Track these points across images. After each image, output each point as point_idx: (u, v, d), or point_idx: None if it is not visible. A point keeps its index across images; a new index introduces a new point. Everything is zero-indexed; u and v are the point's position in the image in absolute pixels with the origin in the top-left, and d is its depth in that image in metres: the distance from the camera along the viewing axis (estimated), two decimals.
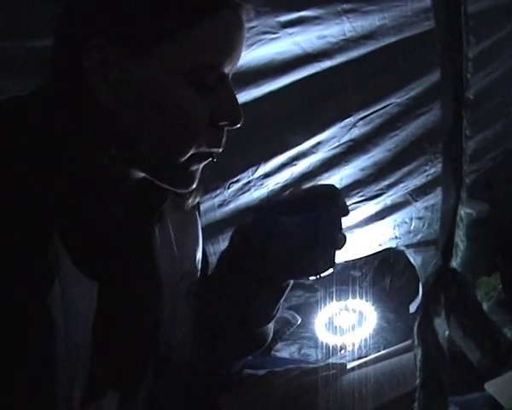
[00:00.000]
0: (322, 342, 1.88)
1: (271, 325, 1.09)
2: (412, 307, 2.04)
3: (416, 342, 0.69)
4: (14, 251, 0.70)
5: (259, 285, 0.95)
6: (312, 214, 0.90)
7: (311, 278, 0.93)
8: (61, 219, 0.76)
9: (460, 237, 0.67)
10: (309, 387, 1.08)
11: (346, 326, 1.92)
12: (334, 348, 1.86)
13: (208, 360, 1.08)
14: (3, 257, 0.70)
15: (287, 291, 1.00)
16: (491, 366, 1.45)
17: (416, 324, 0.69)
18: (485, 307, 1.73)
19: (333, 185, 0.94)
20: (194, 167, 0.86)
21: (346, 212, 0.93)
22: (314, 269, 0.92)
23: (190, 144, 0.82)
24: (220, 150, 0.86)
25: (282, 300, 1.02)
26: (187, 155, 0.83)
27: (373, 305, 1.99)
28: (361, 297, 2.00)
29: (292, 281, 0.99)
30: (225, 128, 0.85)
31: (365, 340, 1.87)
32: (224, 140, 0.86)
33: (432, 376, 0.67)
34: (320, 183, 1.01)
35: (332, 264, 0.92)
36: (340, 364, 1.21)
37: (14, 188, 0.72)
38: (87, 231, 0.80)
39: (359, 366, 1.20)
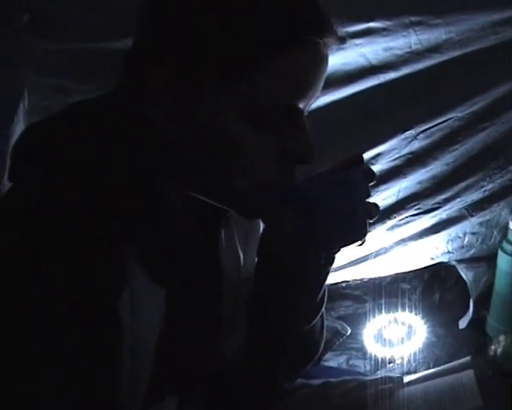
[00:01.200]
0: (370, 354, 1.86)
1: (322, 335, 1.08)
2: (462, 323, 2.02)
3: None
4: (88, 257, 0.71)
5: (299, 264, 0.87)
6: (337, 174, 0.84)
7: (343, 248, 0.85)
8: (132, 228, 0.77)
9: None
10: (365, 400, 1.07)
11: (394, 339, 1.91)
12: (383, 360, 1.84)
13: (262, 375, 1.08)
14: (77, 262, 0.70)
15: (327, 275, 0.93)
16: None
17: None
18: None
19: (358, 152, 0.87)
20: (262, 201, 0.82)
21: (371, 173, 0.86)
22: (344, 234, 0.83)
23: (252, 180, 0.79)
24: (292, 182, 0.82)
25: (324, 289, 0.98)
26: (250, 189, 0.80)
27: (422, 319, 1.97)
28: (410, 310, 1.99)
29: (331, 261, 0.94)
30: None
31: (414, 354, 1.85)
32: (295, 173, 0.81)
33: None
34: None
35: (363, 232, 0.84)
36: (397, 377, 1.19)
37: (86, 196, 0.72)
38: (155, 238, 0.79)
39: (416, 381, 1.19)
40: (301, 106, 0.78)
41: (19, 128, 1.31)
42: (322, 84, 0.80)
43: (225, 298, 0.99)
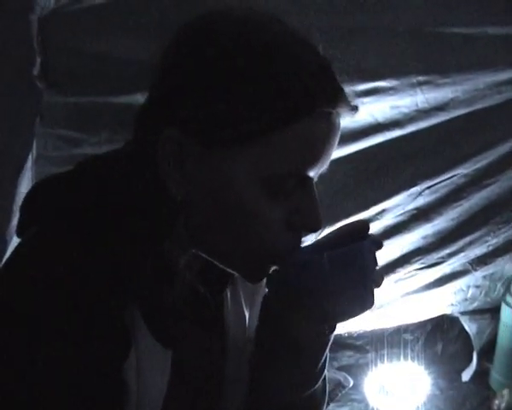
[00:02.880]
0: (372, 407, 1.85)
1: (324, 397, 1.07)
2: (465, 376, 2.01)
3: None
4: (94, 318, 0.71)
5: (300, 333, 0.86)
6: (344, 249, 0.82)
7: (349, 319, 0.84)
8: (138, 290, 0.77)
9: None
10: None
11: (397, 390, 1.89)
12: None
13: None
14: (84, 324, 0.71)
15: (329, 342, 0.95)
16: None
17: None
18: None
19: (363, 220, 0.87)
20: (267, 267, 0.81)
21: (379, 244, 0.85)
22: (351, 308, 0.83)
23: (259, 246, 0.78)
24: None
25: (325, 355, 0.97)
26: (258, 256, 0.79)
27: (425, 370, 1.96)
28: (413, 361, 1.98)
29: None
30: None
31: (417, 407, 1.84)
32: (300, 244, 0.80)
33: None
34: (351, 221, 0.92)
35: (371, 303, 0.83)
36: None
37: (94, 257, 0.73)
38: (163, 300, 0.79)
39: None
40: (312, 174, 0.78)
41: (26, 177, 1.32)
42: (333, 151, 0.79)
43: (230, 357, 0.99)
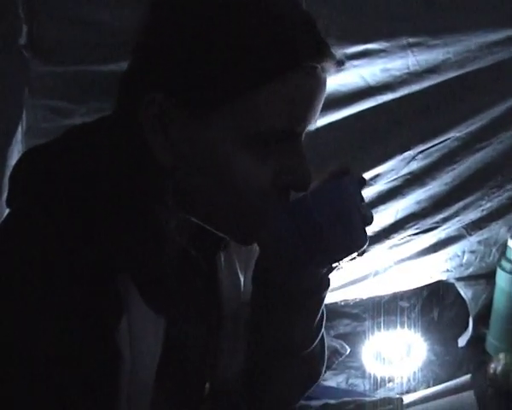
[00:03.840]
0: (369, 373, 1.85)
1: (323, 358, 1.07)
2: (461, 341, 2.01)
3: None
4: (85, 286, 0.71)
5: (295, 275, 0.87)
6: (325, 185, 0.84)
7: (345, 259, 0.83)
8: (129, 256, 0.76)
9: None
10: None
11: (394, 357, 1.90)
12: (382, 379, 1.83)
13: (262, 399, 1.07)
14: (75, 292, 0.70)
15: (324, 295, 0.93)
16: None
17: None
18: None
19: (342, 163, 0.87)
20: (257, 227, 0.81)
21: (361, 180, 0.86)
22: (342, 245, 0.81)
23: (249, 207, 0.79)
24: None
25: (322, 312, 0.96)
26: (247, 216, 0.80)
27: (421, 337, 1.97)
28: (409, 328, 1.98)
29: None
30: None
31: (414, 373, 1.84)
32: (289, 199, 0.81)
33: None
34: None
35: (362, 240, 0.82)
36: (397, 399, 1.19)
37: (83, 223, 0.73)
38: (151, 263, 0.79)
39: (416, 402, 1.19)
40: (299, 130, 0.78)
41: (16, 150, 1.31)
42: (320, 107, 0.80)
43: (225, 322, 0.99)
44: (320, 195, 0.80)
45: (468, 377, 1.17)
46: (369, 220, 0.84)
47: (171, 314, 0.83)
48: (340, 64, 0.80)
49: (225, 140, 0.75)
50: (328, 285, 0.90)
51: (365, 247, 0.83)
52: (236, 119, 0.74)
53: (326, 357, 1.08)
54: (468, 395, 1.13)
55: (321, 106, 0.80)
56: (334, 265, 0.85)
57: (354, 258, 0.84)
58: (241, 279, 1.01)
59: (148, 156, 0.77)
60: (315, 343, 0.98)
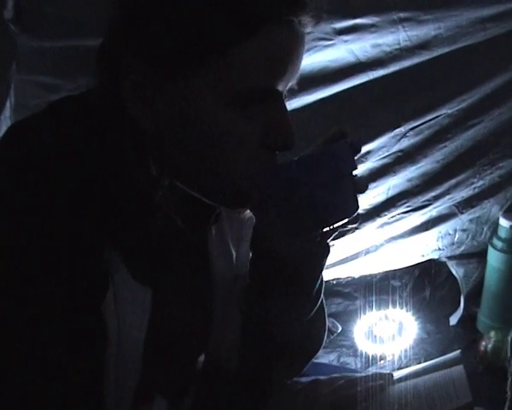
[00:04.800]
0: (361, 351, 1.86)
1: (323, 329, 1.07)
2: (453, 320, 2.02)
3: (509, 353, 0.68)
4: (69, 257, 0.70)
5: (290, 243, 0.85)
6: (316, 151, 0.83)
7: (336, 224, 0.81)
8: (114, 227, 0.76)
9: None
10: (355, 397, 1.06)
11: (385, 336, 1.91)
12: (374, 357, 1.84)
13: (257, 373, 1.06)
14: (59, 263, 0.70)
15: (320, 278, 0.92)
16: None
17: (510, 336, 0.67)
18: None
19: (338, 126, 0.84)
20: (244, 190, 0.80)
21: (355, 146, 0.82)
22: (332, 211, 0.80)
23: (236, 169, 0.77)
24: None
25: (321, 278, 0.94)
26: (234, 180, 0.78)
27: (413, 315, 1.97)
28: (401, 307, 1.99)
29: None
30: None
31: (405, 351, 1.85)
32: (276, 161, 0.80)
33: None
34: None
35: (354, 206, 0.81)
36: (387, 374, 1.18)
37: (67, 194, 0.72)
38: (140, 236, 0.78)
39: (406, 377, 1.19)
40: (280, 88, 0.77)
41: (5, 126, 1.30)
42: (300, 64, 0.78)
43: (217, 296, 0.98)
44: (310, 159, 0.79)
45: (457, 352, 1.16)
46: (363, 188, 0.83)
47: (158, 286, 0.82)
48: (317, 18, 0.79)
49: (207, 101, 0.73)
50: (328, 251, 0.89)
51: (356, 213, 0.81)
52: (216, 78, 0.72)
53: (327, 324, 1.07)
54: (458, 369, 1.11)
55: (301, 62, 0.78)
56: (326, 230, 0.83)
57: (348, 229, 0.83)
58: (233, 253, 1.01)
59: (130, 125, 0.76)
60: (314, 310, 0.97)
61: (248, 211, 0.90)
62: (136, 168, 0.77)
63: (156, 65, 0.73)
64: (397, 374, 1.18)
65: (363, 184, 0.83)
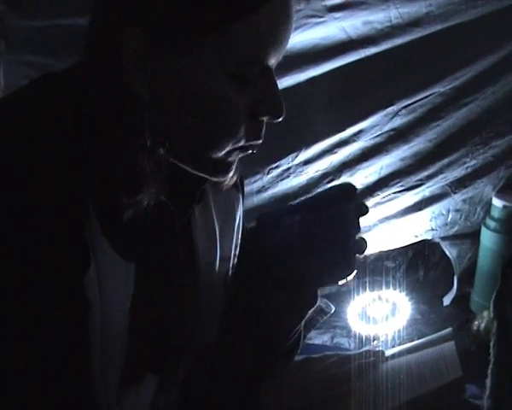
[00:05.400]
0: (354, 332, 1.86)
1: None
2: (446, 300, 2.03)
3: (492, 314, 0.68)
4: (50, 232, 0.70)
5: (277, 290, 0.88)
6: (326, 212, 0.82)
7: (329, 286, 0.88)
8: (97, 201, 0.76)
9: None
10: (347, 374, 1.06)
11: (379, 317, 1.91)
12: (367, 337, 1.84)
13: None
14: (41, 238, 0.69)
15: (308, 311, 0.93)
16: None
17: (494, 296, 0.67)
18: None
19: (349, 183, 0.86)
20: (231, 159, 0.84)
21: (363, 210, 0.87)
22: (329, 275, 0.85)
23: (229, 139, 0.80)
24: (259, 143, 0.83)
25: (303, 321, 0.95)
26: (225, 150, 0.81)
27: (406, 296, 1.97)
28: (394, 288, 1.99)
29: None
30: (265, 121, 0.82)
31: (398, 331, 1.85)
32: (263, 133, 0.82)
33: (508, 350, 0.65)
34: (337, 183, 0.93)
35: (351, 269, 0.85)
36: (379, 351, 1.19)
37: (49, 167, 0.71)
38: (123, 211, 0.78)
39: (398, 354, 1.19)
40: (271, 63, 0.79)
41: None
42: (288, 39, 0.80)
43: (200, 276, 0.98)
44: (316, 220, 0.81)
45: (449, 330, 1.16)
46: (362, 251, 0.86)
47: (141, 263, 0.82)
48: None
49: (206, 72, 0.75)
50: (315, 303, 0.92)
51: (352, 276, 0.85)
52: (215, 51, 0.74)
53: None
54: (449, 345, 1.12)
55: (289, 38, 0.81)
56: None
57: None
58: (217, 234, 1.01)
59: (126, 93, 0.76)
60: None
61: (228, 182, 0.93)
62: (131, 140, 0.77)
63: (158, 36, 0.73)
64: (389, 352, 1.18)
65: (363, 246, 0.86)
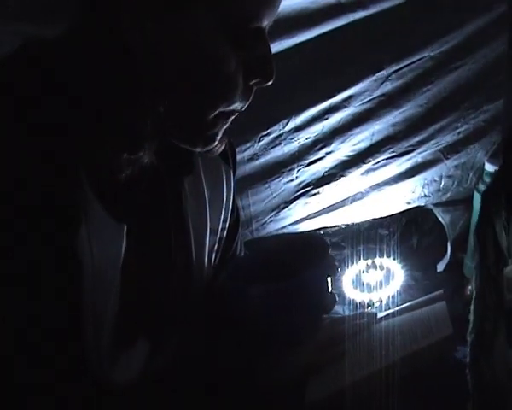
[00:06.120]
0: (349, 299, 1.87)
1: None
2: (440, 266, 2.04)
3: (473, 244, 0.68)
4: (40, 192, 0.70)
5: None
6: (294, 280, 0.83)
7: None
8: (89, 161, 0.76)
9: None
10: (341, 335, 1.07)
11: (373, 283, 1.92)
12: (362, 304, 1.86)
13: None
14: (30, 197, 0.70)
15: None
16: None
17: (475, 227, 0.68)
18: None
19: (319, 237, 0.88)
20: (217, 129, 0.84)
21: (334, 271, 0.88)
22: (294, 337, 0.88)
23: (222, 99, 0.80)
24: (244, 107, 0.83)
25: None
26: (216, 111, 0.80)
27: (400, 263, 1.98)
28: (388, 256, 2.00)
29: None
30: (255, 85, 0.81)
31: (392, 297, 1.87)
32: (251, 96, 0.82)
33: (490, 279, 0.66)
34: (306, 233, 0.93)
35: (314, 331, 0.89)
36: (371, 313, 1.20)
37: (40, 129, 0.72)
38: (115, 173, 0.79)
39: (390, 316, 1.20)
40: (264, 24, 0.79)
41: None
42: (281, 1, 0.81)
43: (190, 244, 0.99)
44: (284, 290, 0.82)
45: (441, 291, 1.17)
46: (329, 310, 0.90)
47: (133, 224, 0.83)
48: None
49: (199, 30, 0.75)
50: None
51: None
52: (210, 9, 0.74)
53: None
54: (440, 305, 1.13)
55: None
56: None
57: None
58: (207, 205, 1.01)
59: (121, 51, 0.75)
60: None
61: (224, 160, 0.97)
62: (131, 99, 0.77)
63: None
64: (381, 314, 1.19)
65: (331, 305, 0.91)
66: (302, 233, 0.86)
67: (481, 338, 0.65)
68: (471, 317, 0.67)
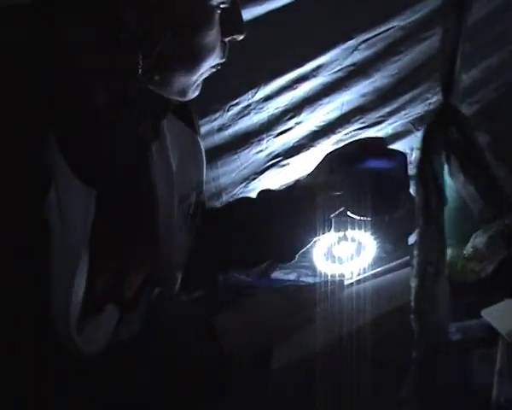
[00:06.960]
0: (320, 271, 1.87)
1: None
2: (411, 239, 2.04)
3: (415, 185, 0.69)
4: (8, 154, 0.70)
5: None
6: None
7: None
8: (58, 124, 0.75)
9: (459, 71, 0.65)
10: (308, 301, 1.08)
11: (344, 256, 1.92)
12: (333, 276, 1.85)
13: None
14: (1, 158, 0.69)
15: None
16: (493, 218, 1.43)
17: (416, 165, 0.68)
18: None
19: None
20: (200, 80, 0.90)
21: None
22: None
23: (212, 58, 0.87)
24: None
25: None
26: (205, 70, 0.87)
27: (372, 235, 1.98)
28: (360, 228, 2.00)
29: None
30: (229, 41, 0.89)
31: (364, 270, 1.87)
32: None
33: (431, 220, 0.66)
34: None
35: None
36: (338, 280, 1.21)
37: (11, 90, 0.71)
38: (84, 137, 0.79)
39: (358, 282, 1.21)
40: None
41: None
42: None
43: (157, 210, 0.99)
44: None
45: (407, 257, 1.19)
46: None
47: (102, 189, 0.82)
48: None
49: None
50: None
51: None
52: None
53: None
54: (406, 270, 1.14)
55: None
56: None
57: None
58: (174, 172, 1.01)
59: (115, 17, 0.78)
60: None
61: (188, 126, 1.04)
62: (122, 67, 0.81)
63: None
64: (349, 281, 1.21)
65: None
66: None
67: (424, 282, 0.65)
68: (414, 262, 0.67)
